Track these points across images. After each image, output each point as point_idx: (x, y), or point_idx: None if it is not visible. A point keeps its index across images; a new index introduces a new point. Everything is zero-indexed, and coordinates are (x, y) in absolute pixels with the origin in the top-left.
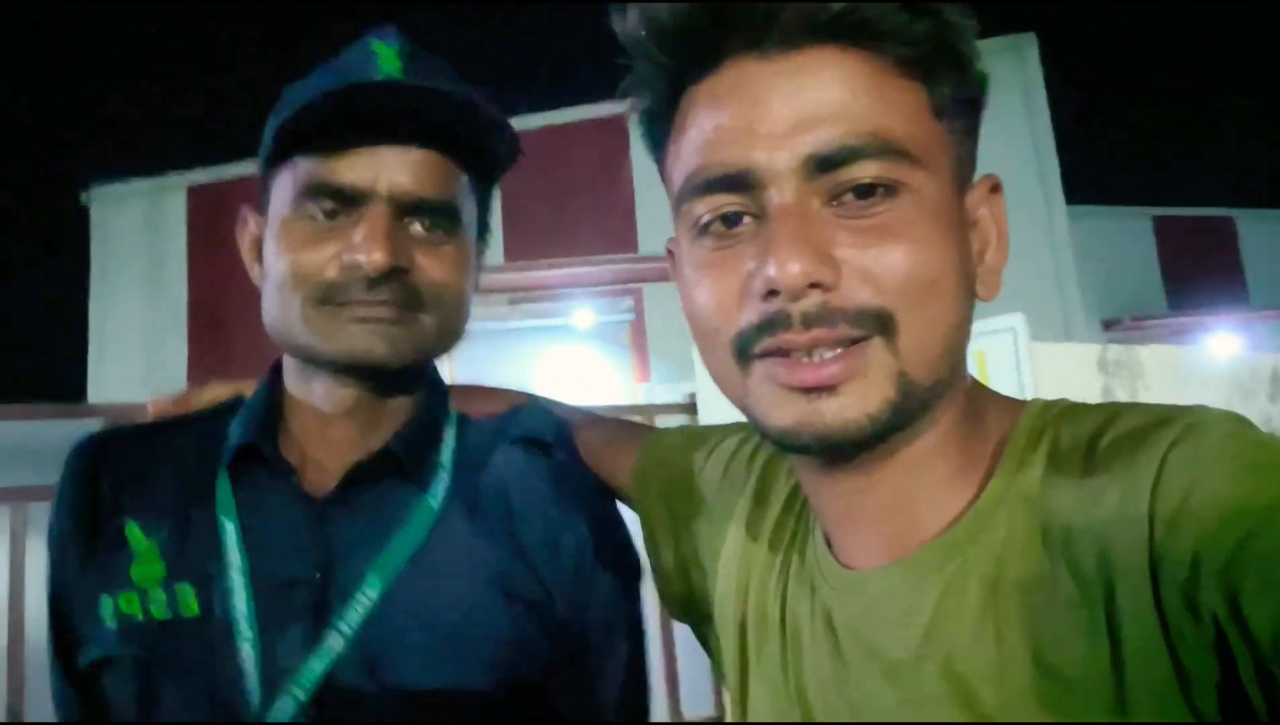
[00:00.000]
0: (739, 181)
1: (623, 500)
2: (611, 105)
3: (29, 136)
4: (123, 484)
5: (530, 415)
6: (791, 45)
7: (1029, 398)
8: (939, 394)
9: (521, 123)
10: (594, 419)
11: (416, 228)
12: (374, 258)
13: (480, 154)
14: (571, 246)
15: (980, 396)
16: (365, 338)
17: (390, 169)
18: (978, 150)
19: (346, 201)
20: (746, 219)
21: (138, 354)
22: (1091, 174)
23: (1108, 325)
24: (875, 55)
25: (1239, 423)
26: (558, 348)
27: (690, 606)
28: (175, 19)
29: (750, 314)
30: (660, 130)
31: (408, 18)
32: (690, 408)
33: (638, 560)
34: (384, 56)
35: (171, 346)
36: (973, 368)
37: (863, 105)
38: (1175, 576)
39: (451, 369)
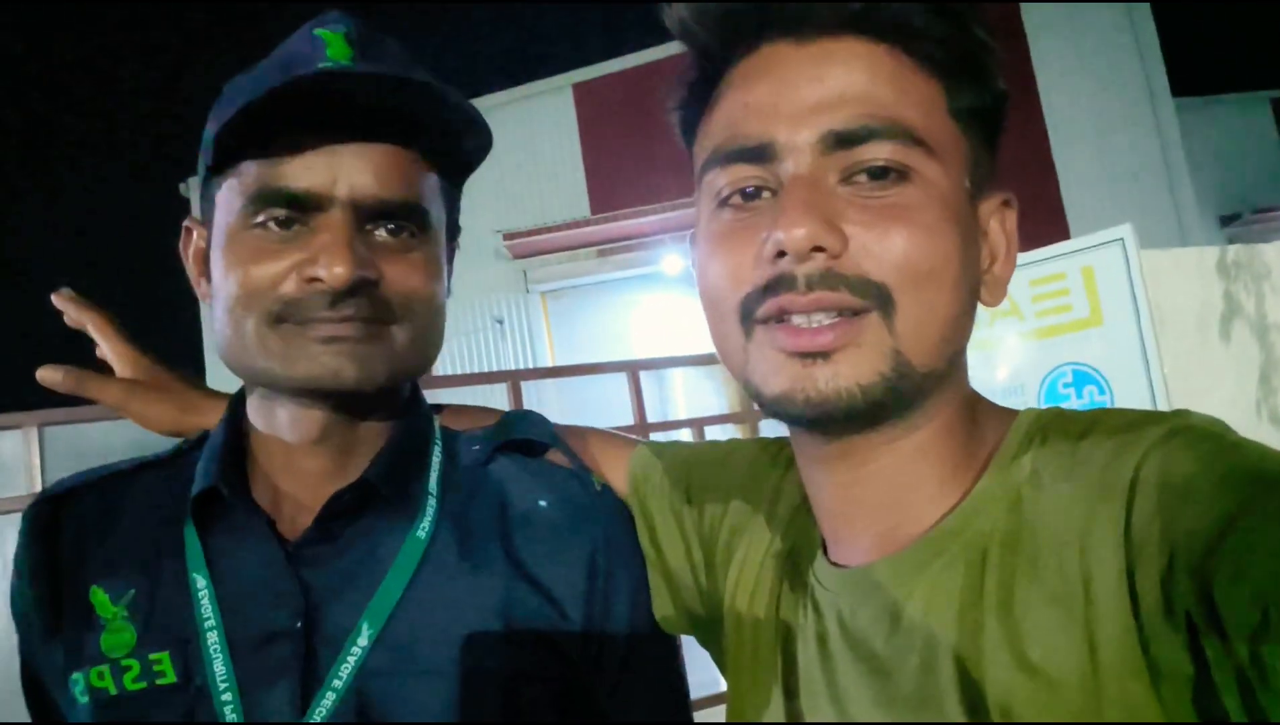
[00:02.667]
0: (760, 153)
1: None
2: None
3: (126, 131)
4: (84, 543)
5: (519, 420)
6: (824, 33)
7: (1145, 311)
8: (933, 384)
9: (596, 69)
10: (579, 429)
11: (381, 233)
12: (336, 271)
13: (447, 146)
14: (656, 193)
15: (979, 404)
16: (331, 360)
17: (349, 170)
18: (997, 164)
19: (302, 209)
20: (765, 194)
21: None
22: (1199, 61)
23: (1225, 221)
24: (901, 51)
25: (1218, 426)
26: (649, 296)
27: (692, 611)
28: (265, 13)
29: (758, 276)
30: (693, 114)
31: None
32: None
33: None
34: (331, 43)
35: None
36: (1079, 285)
37: (883, 92)
38: (1150, 574)
39: (549, 327)
